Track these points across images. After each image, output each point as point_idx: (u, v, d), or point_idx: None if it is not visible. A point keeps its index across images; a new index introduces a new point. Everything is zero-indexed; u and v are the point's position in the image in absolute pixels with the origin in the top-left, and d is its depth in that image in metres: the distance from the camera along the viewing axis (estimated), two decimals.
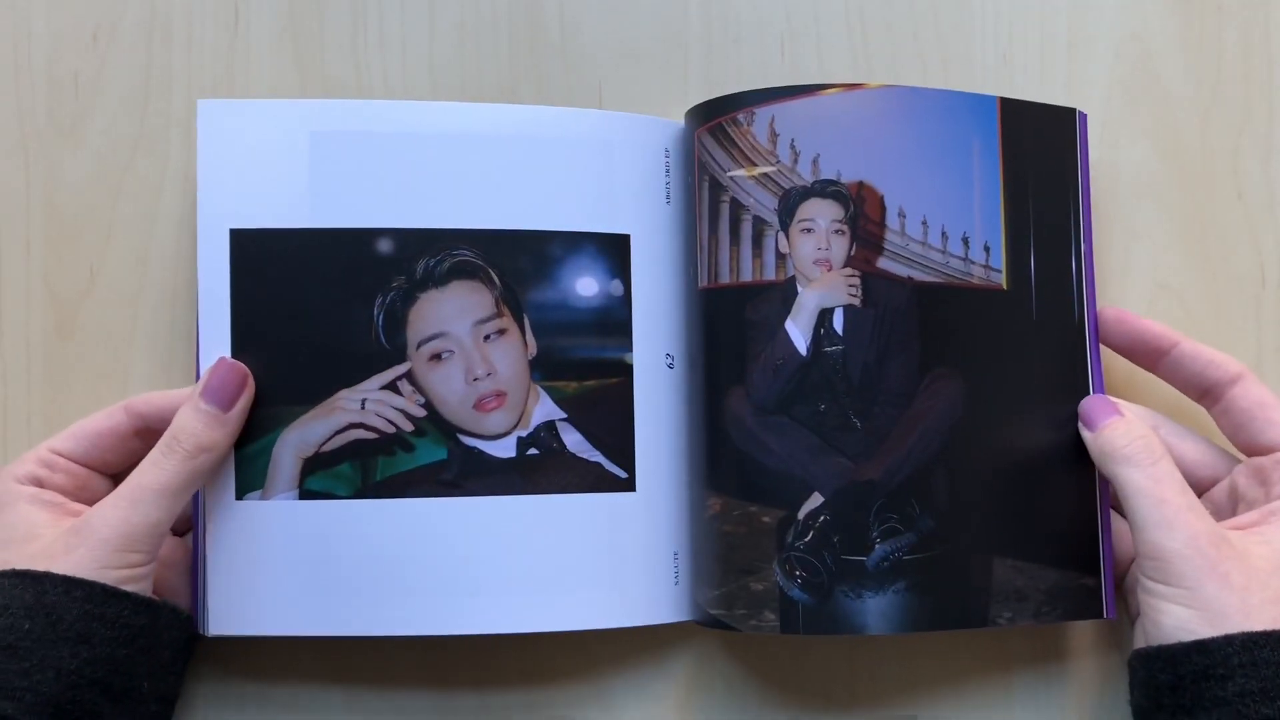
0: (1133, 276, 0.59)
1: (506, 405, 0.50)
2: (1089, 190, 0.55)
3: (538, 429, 0.50)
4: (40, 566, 0.47)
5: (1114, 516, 0.54)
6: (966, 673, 0.57)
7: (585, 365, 0.51)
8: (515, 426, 0.50)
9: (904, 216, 0.51)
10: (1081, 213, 0.54)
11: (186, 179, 0.56)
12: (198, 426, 0.49)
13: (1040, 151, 0.54)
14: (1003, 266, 0.53)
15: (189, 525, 0.53)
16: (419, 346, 0.50)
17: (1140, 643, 0.50)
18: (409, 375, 0.50)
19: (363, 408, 0.50)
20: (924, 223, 0.51)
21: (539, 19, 0.58)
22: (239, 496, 0.51)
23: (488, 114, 0.52)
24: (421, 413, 0.50)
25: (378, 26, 0.58)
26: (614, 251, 0.52)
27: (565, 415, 0.50)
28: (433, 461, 0.50)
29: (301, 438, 0.50)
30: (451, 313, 0.50)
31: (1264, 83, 0.59)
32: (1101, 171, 0.59)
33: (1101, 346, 0.54)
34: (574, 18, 0.58)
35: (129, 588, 0.48)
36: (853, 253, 0.50)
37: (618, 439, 0.51)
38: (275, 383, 0.50)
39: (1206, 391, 0.53)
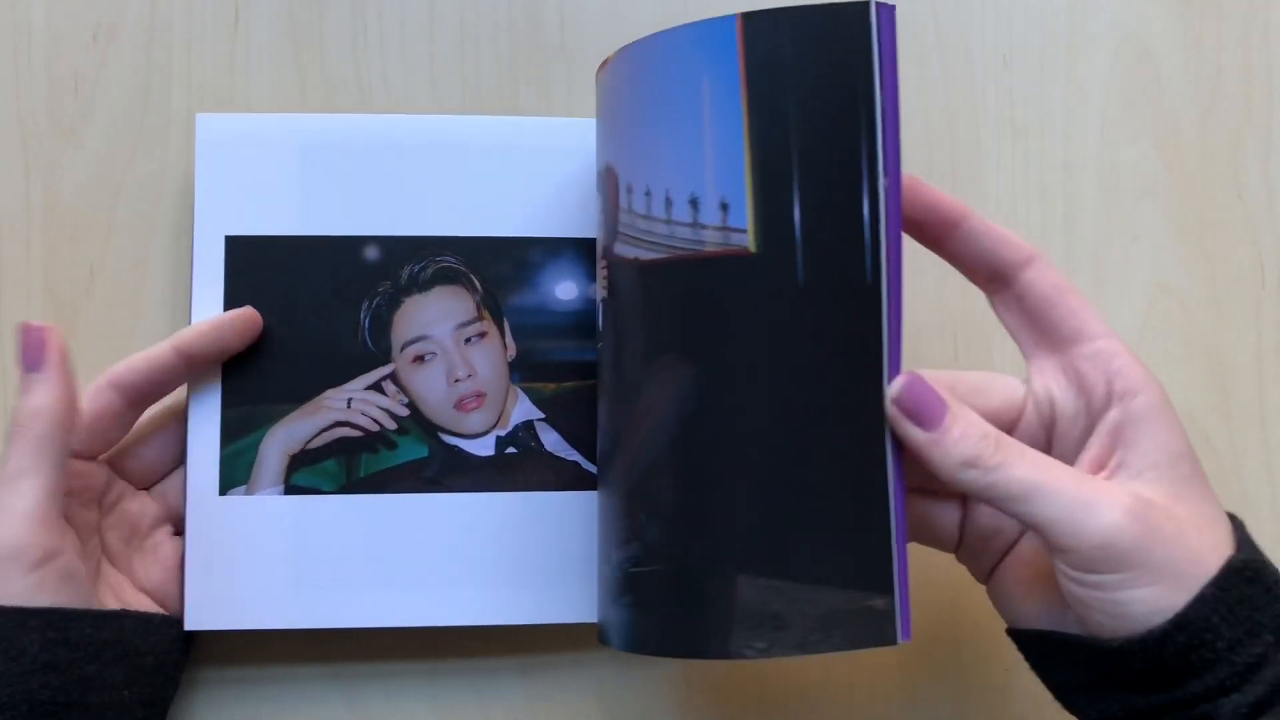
0: (1133, 276, 0.59)
1: (486, 405, 0.51)
2: (895, 103, 0.42)
3: (516, 428, 0.51)
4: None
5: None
6: (967, 676, 0.57)
7: (564, 367, 0.52)
8: (495, 426, 0.51)
9: (631, 191, 0.46)
10: (882, 137, 0.42)
11: (186, 179, 0.56)
12: (26, 397, 0.46)
13: (806, 69, 0.42)
14: (747, 226, 0.43)
15: (181, 522, 0.52)
16: (403, 349, 0.51)
17: (1033, 615, 0.46)
18: (393, 376, 0.51)
19: (348, 406, 0.51)
20: (648, 193, 0.45)
21: (539, 19, 0.58)
22: (222, 493, 0.51)
23: (471, 125, 0.54)
24: (404, 412, 0.51)
25: (378, 27, 0.58)
26: (593, 256, 0.52)
27: (543, 415, 0.52)
28: (415, 459, 0.51)
29: (289, 435, 0.51)
30: (434, 317, 0.51)
31: (1264, 83, 0.59)
32: (1102, 171, 0.59)
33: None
34: (574, 18, 0.58)
35: (70, 588, 0.46)
36: (604, 243, 0.48)
37: (595, 438, 0.51)
38: (264, 383, 0.51)
39: (996, 274, 0.46)
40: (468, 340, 0.51)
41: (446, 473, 0.51)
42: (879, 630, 0.42)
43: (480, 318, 0.51)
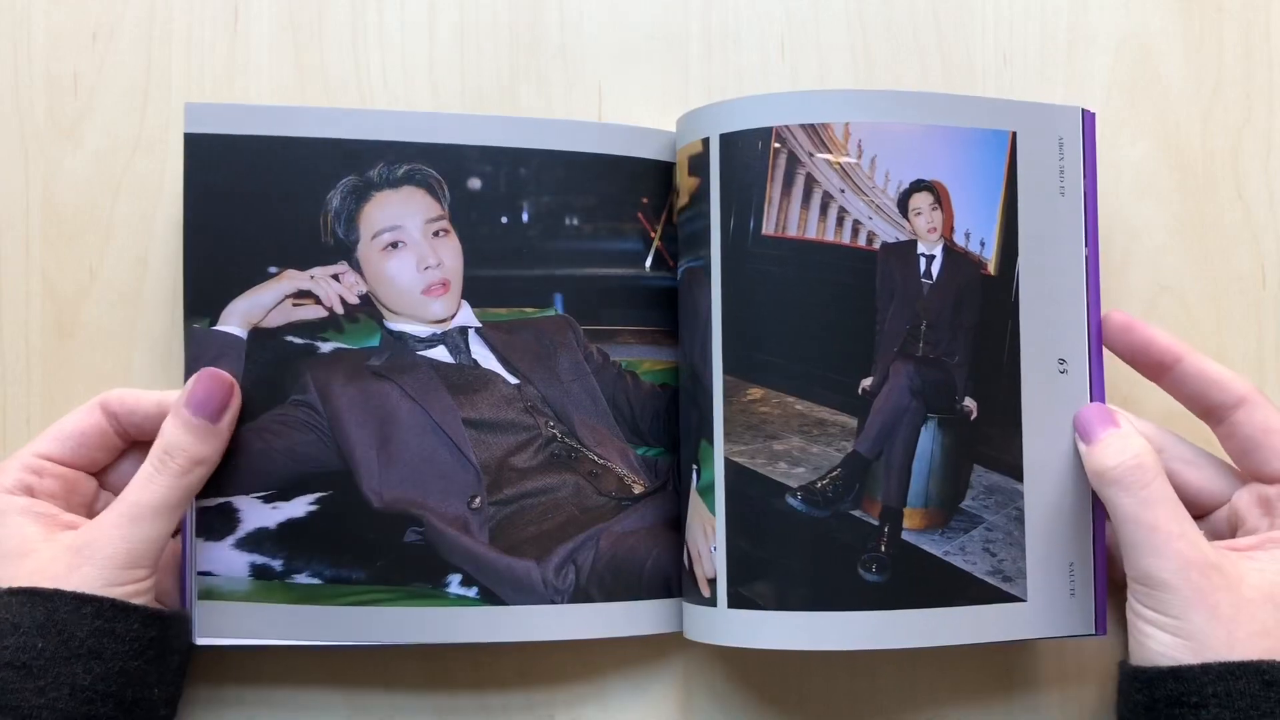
0: (1133, 276, 0.59)
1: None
2: (1094, 190, 0.54)
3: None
4: (43, 584, 0.47)
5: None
6: (966, 681, 0.57)
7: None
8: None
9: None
10: (1085, 216, 0.54)
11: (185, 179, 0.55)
12: (188, 440, 0.50)
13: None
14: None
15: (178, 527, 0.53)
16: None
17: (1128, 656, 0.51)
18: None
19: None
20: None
21: (539, 19, 0.58)
22: None
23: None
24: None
25: (378, 26, 0.58)
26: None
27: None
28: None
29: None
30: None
31: (1264, 83, 0.59)
32: (1102, 171, 0.59)
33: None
34: (574, 18, 0.58)
35: (135, 601, 0.48)
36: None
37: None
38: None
39: (1210, 412, 0.52)
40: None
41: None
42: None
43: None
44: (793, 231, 0.51)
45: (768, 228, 0.51)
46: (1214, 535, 0.52)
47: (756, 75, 0.58)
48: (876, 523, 0.51)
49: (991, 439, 0.52)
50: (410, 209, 0.53)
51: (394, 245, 0.53)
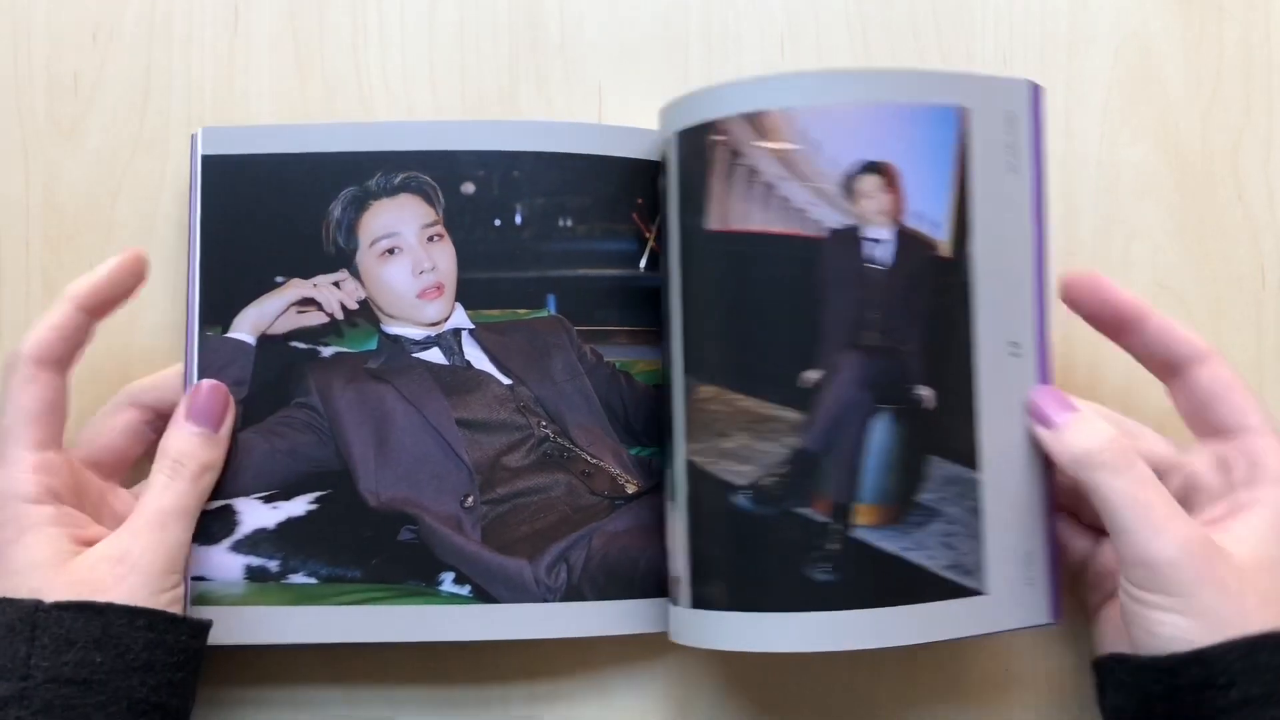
0: (1133, 276, 0.59)
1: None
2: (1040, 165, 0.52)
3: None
4: (85, 597, 0.46)
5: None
6: (967, 678, 0.57)
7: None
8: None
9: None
10: (1034, 182, 0.52)
11: (186, 179, 0.55)
12: (196, 447, 0.51)
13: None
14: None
15: None
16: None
17: (1119, 647, 0.49)
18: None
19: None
20: None
21: (539, 19, 0.58)
22: None
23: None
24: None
25: (378, 26, 0.58)
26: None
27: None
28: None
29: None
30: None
31: (1264, 83, 0.59)
32: (1102, 171, 0.59)
33: None
34: (574, 18, 0.58)
35: (175, 609, 0.48)
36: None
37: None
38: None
39: (1170, 367, 0.51)
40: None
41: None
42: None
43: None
44: (735, 225, 0.51)
45: (712, 223, 0.51)
46: None
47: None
48: (827, 520, 0.49)
49: (948, 429, 0.50)
50: (406, 216, 0.54)
51: (390, 251, 0.54)
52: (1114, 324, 0.51)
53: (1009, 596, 0.50)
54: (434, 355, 0.54)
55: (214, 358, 0.53)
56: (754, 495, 0.50)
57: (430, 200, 0.54)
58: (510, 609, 0.53)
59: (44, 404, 0.49)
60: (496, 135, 0.54)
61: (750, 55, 0.59)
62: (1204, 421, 0.51)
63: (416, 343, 0.54)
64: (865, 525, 0.49)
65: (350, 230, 0.54)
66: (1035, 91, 0.52)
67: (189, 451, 0.50)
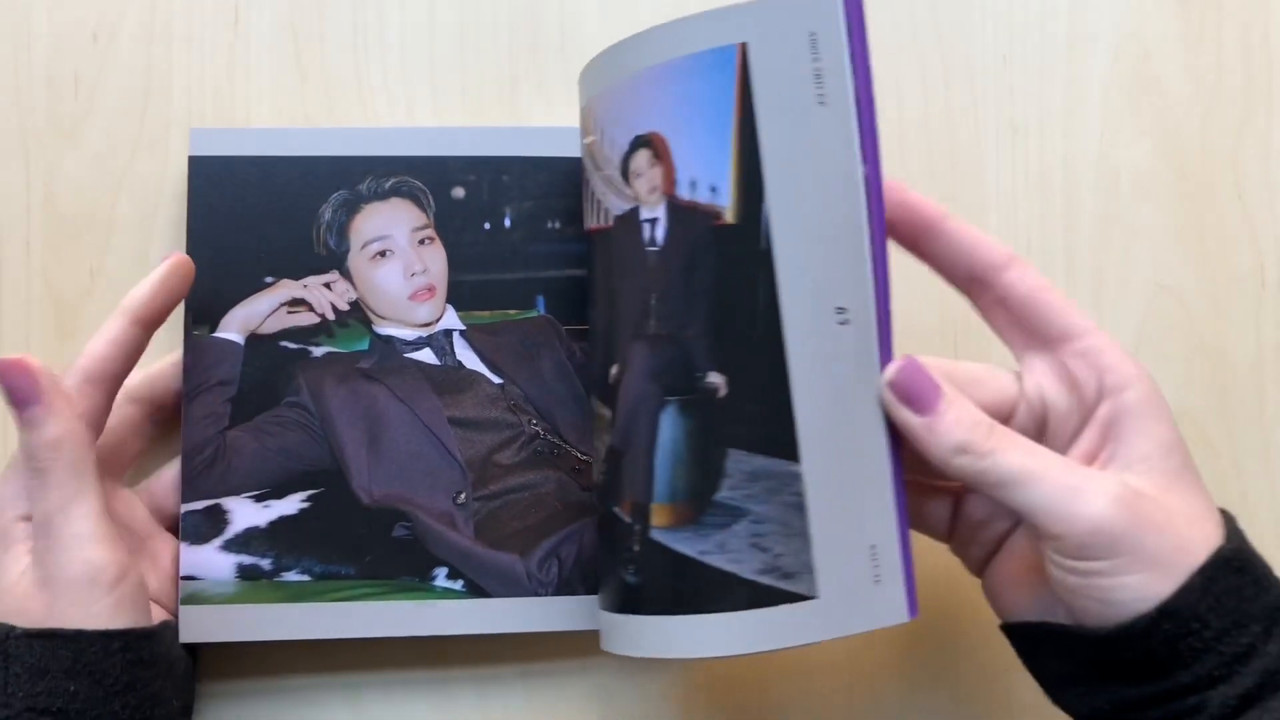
0: (1133, 276, 0.58)
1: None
2: (869, 89, 0.44)
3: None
4: (39, 624, 0.44)
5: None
6: (964, 671, 0.57)
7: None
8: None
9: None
10: (858, 123, 0.44)
11: (185, 179, 0.56)
12: (38, 435, 0.46)
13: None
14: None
15: (175, 522, 0.53)
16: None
17: (1028, 609, 0.46)
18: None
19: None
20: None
21: (539, 19, 0.58)
22: None
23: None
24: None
25: (378, 26, 0.58)
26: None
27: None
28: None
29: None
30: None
31: (1264, 83, 0.59)
32: (1102, 171, 0.59)
33: None
34: (574, 18, 0.59)
35: (137, 606, 0.46)
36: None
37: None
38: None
39: (975, 277, 0.46)
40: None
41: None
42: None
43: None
44: (587, 225, 0.51)
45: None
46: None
47: None
48: (630, 521, 0.47)
49: (750, 417, 0.44)
50: (397, 219, 0.55)
51: (382, 254, 0.55)
52: (911, 231, 0.46)
53: (848, 597, 0.44)
54: (426, 355, 0.54)
55: (201, 357, 0.53)
56: (596, 497, 0.50)
57: (421, 204, 0.55)
58: (503, 603, 0.53)
59: (125, 429, 0.51)
60: (484, 141, 0.55)
61: None
62: (1024, 333, 0.46)
63: (409, 343, 0.54)
64: (660, 526, 0.46)
65: (341, 232, 0.54)
66: (849, 5, 0.43)
67: (35, 443, 0.45)
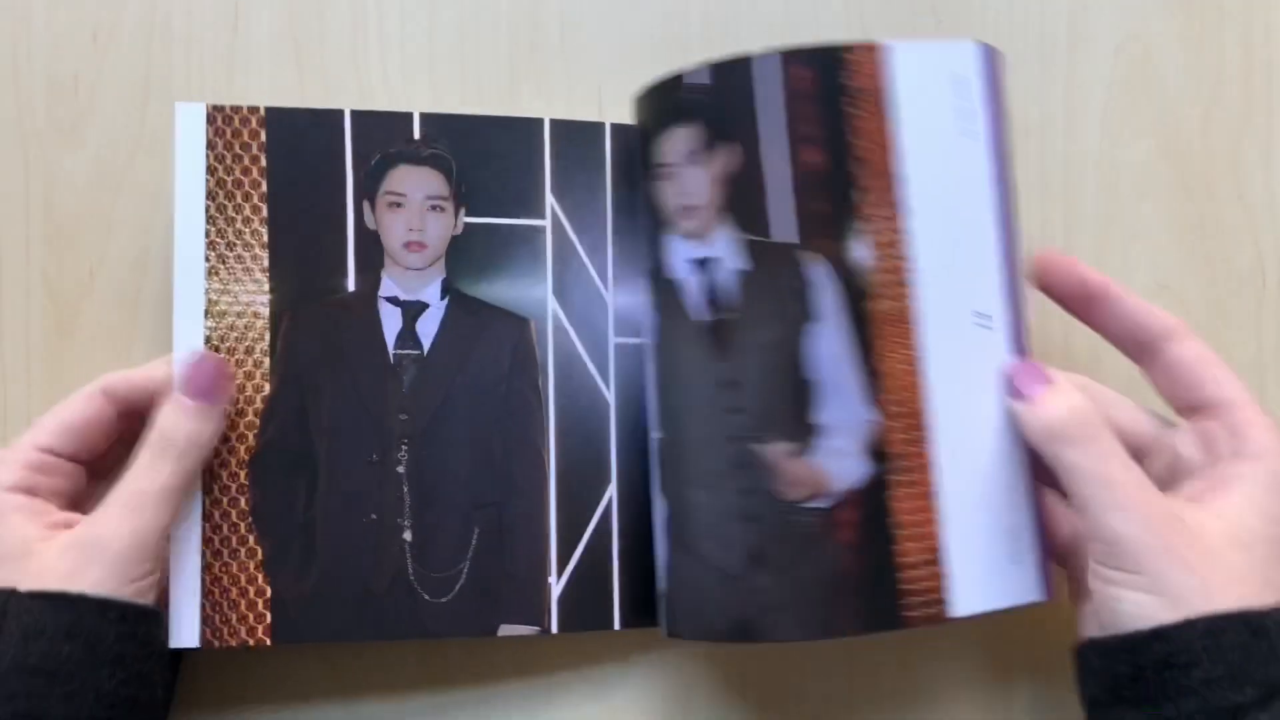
0: (1133, 276, 0.59)
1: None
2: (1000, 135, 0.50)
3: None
4: (54, 585, 0.46)
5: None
6: (966, 680, 0.57)
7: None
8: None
9: None
10: (995, 166, 0.49)
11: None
12: (186, 423, 0.49)
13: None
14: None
15: None
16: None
17: (1092, 631, 0.47)
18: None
19: None
20: None
21: (539, 19, 0.58)
22: None
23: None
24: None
25: (378, 26, 0.58)
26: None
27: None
28: None
29: None
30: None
31: (1264, 83, 0.59)
32: (1102, 171, 0.59)
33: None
34: (574, 18, 0.58)
35: (146, 599, 0.48)
36: None
37: None
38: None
39: (1142, 346, 0.50)
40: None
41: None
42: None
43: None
44: None
45: None
46: (1156, 484, 0.48)
47: None
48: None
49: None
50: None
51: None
52: (1083, 303, 0.50)
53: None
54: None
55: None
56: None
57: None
58: None
59: (82, 421, 0.50)
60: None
61: None
62: (1182, 399, 0.49)
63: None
64: None
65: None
66: (988, 54, 0.50)
67: (176, 427, 0.49)
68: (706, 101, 0.49)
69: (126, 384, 0.51)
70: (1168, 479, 0.49)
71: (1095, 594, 0.46)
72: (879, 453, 0.48)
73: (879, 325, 0.48)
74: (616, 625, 0.53)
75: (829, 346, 0.48)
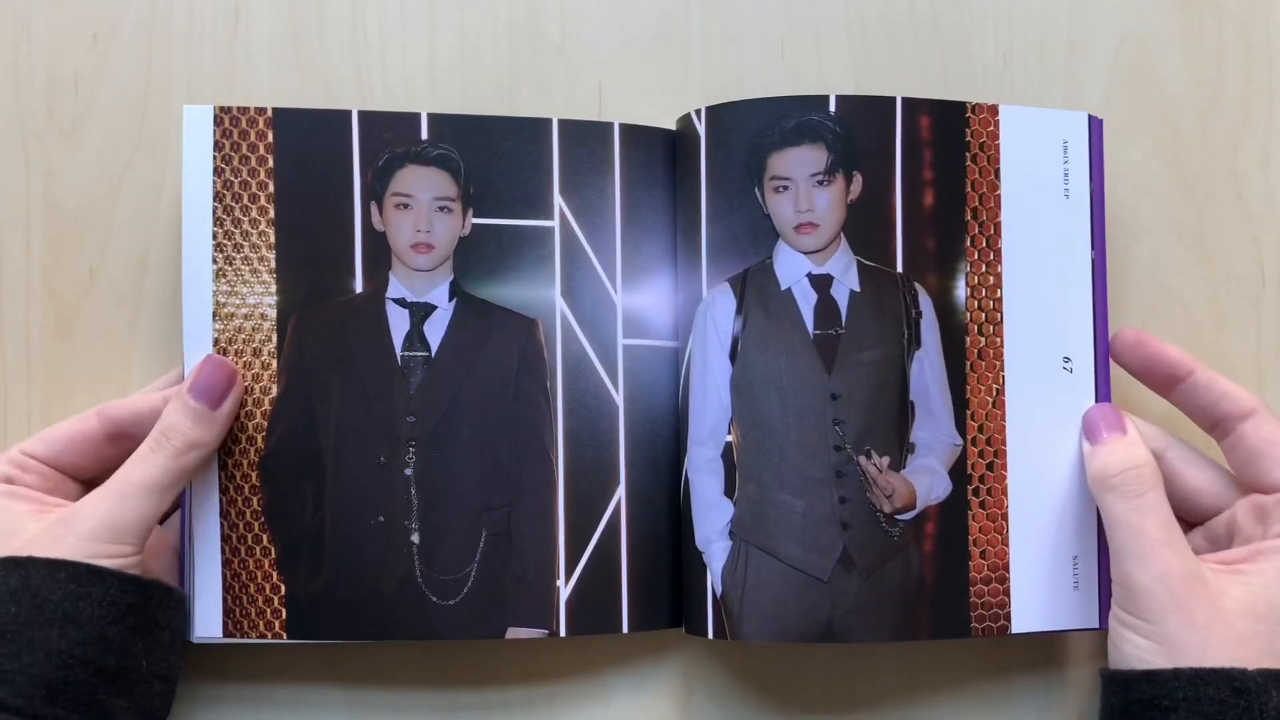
0: (1133, 276, 0.59)
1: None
2: (1102, 197, 0.55)
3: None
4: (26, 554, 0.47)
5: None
6: (966, 678, 0.57)
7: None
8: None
9: None
10: (1091, 218, 0.54)
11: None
12: (186, 423, 0.50)
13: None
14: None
15: (173, 509, 0.53)
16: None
17: (1109, 660, 0.51)
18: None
19: None
20: None
21: (539, 19, 0.58)
22: None
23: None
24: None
25: (378, 26, 0.58)
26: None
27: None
28: None
29: None
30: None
31: (1264, 83, 0.59)
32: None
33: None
34: (574, 18, 0.58)
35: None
36: None
37: None
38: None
39: (1217, 424, 0.52)
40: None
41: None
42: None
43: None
44: None
45: None
46: (1212, 542, 0.53)
47: (756, 75, 0.58)
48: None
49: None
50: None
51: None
52: (1163, 380, 0.53)
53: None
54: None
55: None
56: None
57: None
58: None
59: (67, 436, 0.51)
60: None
61: (750, 55, 0.59)
62: (1249, 476, 0.52)
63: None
64: None
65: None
66: (1094, 123, 0.54)
67: (178, 426, 0.50)
68: (834, 129, 0.52)
69: (121, 408, 0.51)
70: (1224, 538, 0.52)
71: (1110, 630, 0.50)
72: (961, 474, 0.53)
73: (971, 359, 0.53)
74: (624, 628, 0.53)
75: (929, 372, 0.53)
